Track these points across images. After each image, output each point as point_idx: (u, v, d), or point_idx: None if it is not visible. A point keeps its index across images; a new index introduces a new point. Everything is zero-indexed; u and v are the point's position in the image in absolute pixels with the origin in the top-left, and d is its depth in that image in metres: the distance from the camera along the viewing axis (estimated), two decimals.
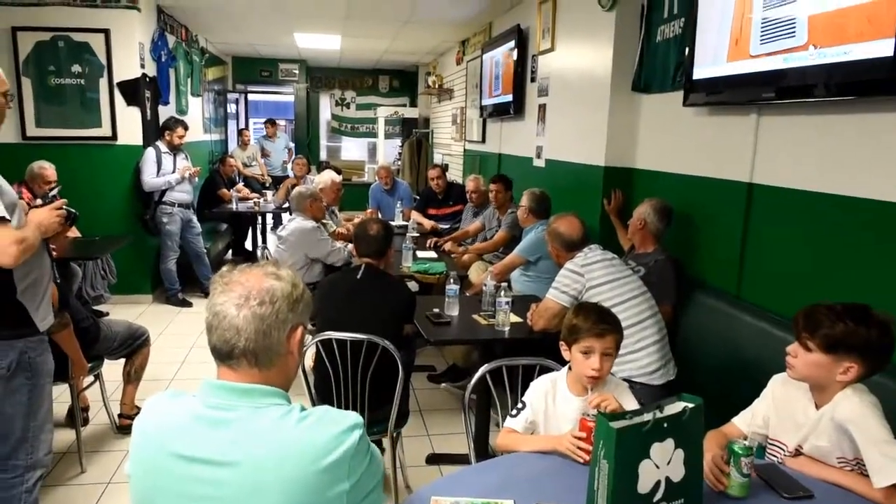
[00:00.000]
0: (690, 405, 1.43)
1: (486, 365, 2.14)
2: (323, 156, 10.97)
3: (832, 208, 2.34)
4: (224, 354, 1.17)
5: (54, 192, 2.22)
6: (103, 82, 5.12)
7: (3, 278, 1.95)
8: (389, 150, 10.30)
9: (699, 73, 2.98)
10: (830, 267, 2.38)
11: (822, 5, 2.23)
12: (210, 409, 1.16)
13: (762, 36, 2.55)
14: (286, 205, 6.84)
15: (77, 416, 3.00)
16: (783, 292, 2.62)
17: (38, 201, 2.15)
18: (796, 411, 1.78)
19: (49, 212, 2.07)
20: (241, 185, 7.29)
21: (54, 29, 4.98)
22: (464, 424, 2.11)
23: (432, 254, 4.46)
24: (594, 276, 2.68)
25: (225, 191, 6.82)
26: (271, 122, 9.06)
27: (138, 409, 3.46)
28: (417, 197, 6.99)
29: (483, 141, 6.57)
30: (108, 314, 4.86)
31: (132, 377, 3.29)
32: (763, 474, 1.60)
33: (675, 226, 3.25)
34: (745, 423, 1.87)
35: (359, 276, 2.58)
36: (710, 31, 2.89)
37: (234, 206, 6.58)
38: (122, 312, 4.94)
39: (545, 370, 2.21)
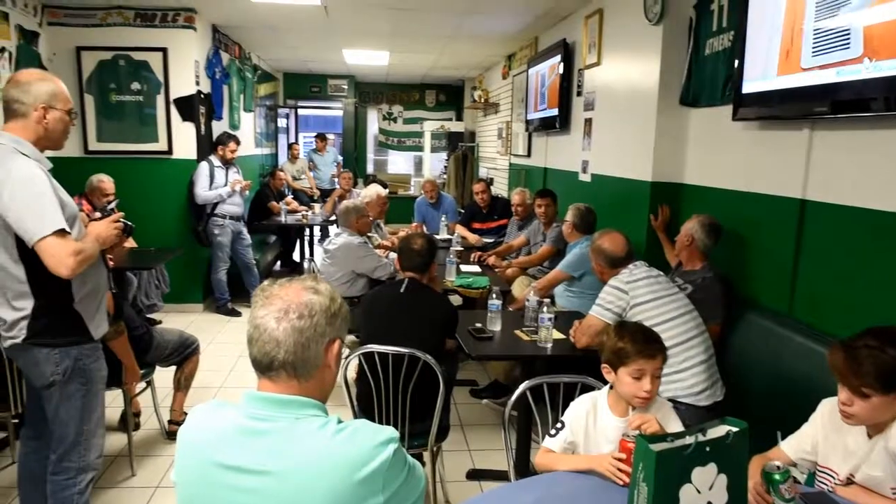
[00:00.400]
0: (735, 429, 1.39)
1: (526, 382, 2.12)
2: (370, 169, 11.13)
3: (891, 226, 2.25)
4: (264, 366, 1.20)
5: (112, 205, 2.31)
6: (160, 99, 5.33)
7: (63, 287, 2.04)
8: (435, 164, 10.38)
9: (749, 86, 2.92)
10: (887, 287, 2.28)
11: (878, 16, 2.16)
12: (251, 419, 1.18)
13: (814, 48, 2.48)
14: (332, 217, 6.98)
15: (129, 420, 3.10)
16: (837, 312, 2.52)
17: (98, 214, 2.25)
18: (847, 438, 1.71)
19: (107, 224, 2.17)
20: (289, 197, 7.45)
21: (116, 48, 5.21)
22: (504, 441, 2.09)
23: (476, 268, 4.46)
24: (638, 293, 2.63)
25: (274, 203, 6.98)
26: (321, 137, 9.25)
27: (186, 415, 3.59)
28: (462, 211, 7.01)
29: (528, 155, 6.55)
30: (160, 322, 5.04)
31: (182, 384, 3.38)
32: (812, 503, 1.54)
33: (724, 242, 3.17)
34: (793, 448, 1.81)
35: (402, 290, 2.61)
36: (759, 44, 2.83)
37: (282, 218, 6.72)
38: (174, 321, 5.11)
39: (587, 388, 2.19)
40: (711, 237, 3.13)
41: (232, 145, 5.49)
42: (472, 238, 5.54)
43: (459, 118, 10.59)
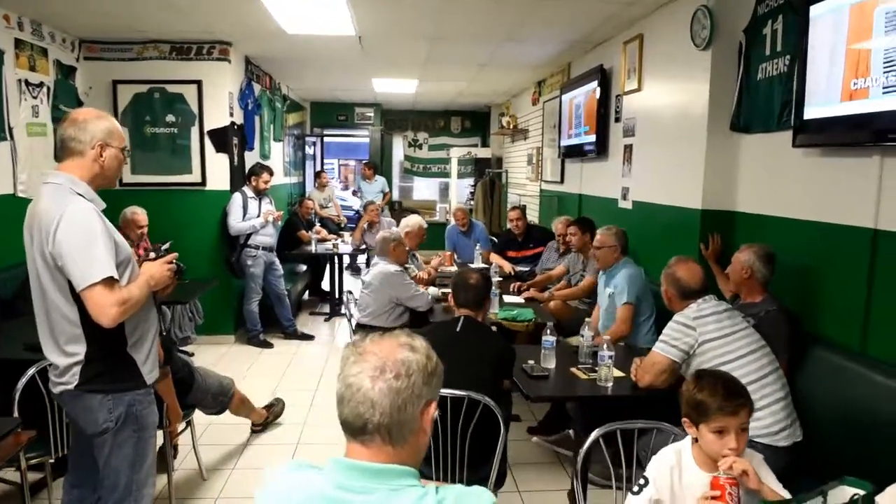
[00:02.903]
0: (861, 492, 1.26)
1: (599, 429, 2.00)
2: (395, 195, 11.10)
3: None
4: (357, 429, 1.11)
5: (167, 245, 2.26)
6: (194, 130, 5.34)
7: (116, 331, 1.98)
8: (461, 190, 10.32)
9: (810, 112, 2.80)
10: None
11: None
12: (341, 490, 1.09)
13: (885, 70, 2.37)
14: (362, 246, 6.93)
15: (169, 462, 3.01)
16: None
17: (152, 255, 2.19)
18: None
19: (161, 266, 2.11)
20: (318, 226, 7.41)
21: (151, 81, 5.24)
22: (575, 494, 1.96)
23: (519, 299, 4.35)
24: (707, 329, 2.51)
25: (304, 232, 6.95)
26: (369, 165, 9.25)
27: (266, 414, 3.80)
28: (493, 238, 6.92)
29: (561, 181, 6.46)
30: (193, 355, 4.98)
31: (244, 410, 3.50)
32: None
33: (784, 273, 3.03)
34: None
35: (458, 329, 2.51)
36: (821, 68, 2.72)
37: (313, 247, 6.67)
38: (207, 352, 5.05)
39: (662, 434, 2.07)
40: (769, 267, 2.99)
41: (265, 176, 5.47)
42: (507, 267, 5.43)
43: (485, 144, 10.56)
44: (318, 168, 10.40)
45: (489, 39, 5.21)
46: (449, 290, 4.19)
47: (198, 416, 3.30)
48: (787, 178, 3.12)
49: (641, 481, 1.72)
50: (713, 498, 1.51)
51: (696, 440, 1.74)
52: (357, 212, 9.44)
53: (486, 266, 5.51)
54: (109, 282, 1.89)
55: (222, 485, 3.24)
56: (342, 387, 1.13)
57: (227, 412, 3.39)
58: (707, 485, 1.66)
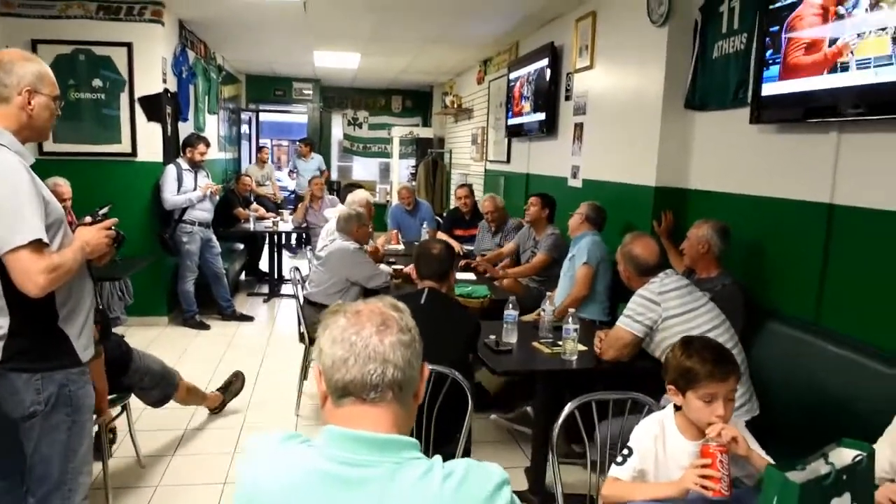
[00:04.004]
0: (863, 453, 1.24)
1: (574, 401, 1.94)
2: (334, 175, 10.84)
3: None
4: (369, 386, 1.01)
5: (105, 209, 2.04)
6: (124, 97, 4.97)
7: (44, 302, 1.76)
8: (402, 171, 10.16)
9: (769, 89, 2.83)
10: None
11: None
12: (340, 464, 0.97)
13: (844, 47, 2.40)
14: (304, 224, 6.69)
15: (105, 450, 2.77)
16: (871, 318, 2.44)
17: (88, 219, 1.97)
18: None
19: (98, 231, 1.89)
20: (254, 204, 7.11)
21: (76, 42, 4.83)
22: (552, 468, 1.89)
23: (471, 275, 4.28)
24: (670, 304, 2.50)
25: (241, 210, 6.65)
26: (306, 142, 8.91)
27: (221, 397, 3.64)
28: (438, 218, 6.83)
29: (508, 161, 6.42)
30: (123, 337, 4.66)
31: (193, 399, 3.33)
32: None
33: (737, 248, 3.07)
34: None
35: (422, 301, 2.39)
36: (781, 46, 2.74)
37: (251, 225, 6.39)
38: (138, 334, 4.74)
39: (637, 405, 2.04)
40: (725, 242, 3.02)
41: (201, 147, 5.16)
42: (456, 246, 5.34)
43: (426, 124, 10.43)
44: (256, 144, 10.01)
45: (438, 13, 5.08)
46: (399, 267, 4.13)
47: (134, 399, 3.07)
48: (743, 154, 3.16)
49: (625, 451, 1.68)
50: (703, 466, 1.47)
51: (678, 409, 1.71)
52: (293, 192, 9.14)
53: None
54: (38, 245, 1.67)
55: (162, 472, 3.03)
56: (342, 349, 1.03)
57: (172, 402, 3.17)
58: (691, 453, 1.63)
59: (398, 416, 1.04)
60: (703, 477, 1.47)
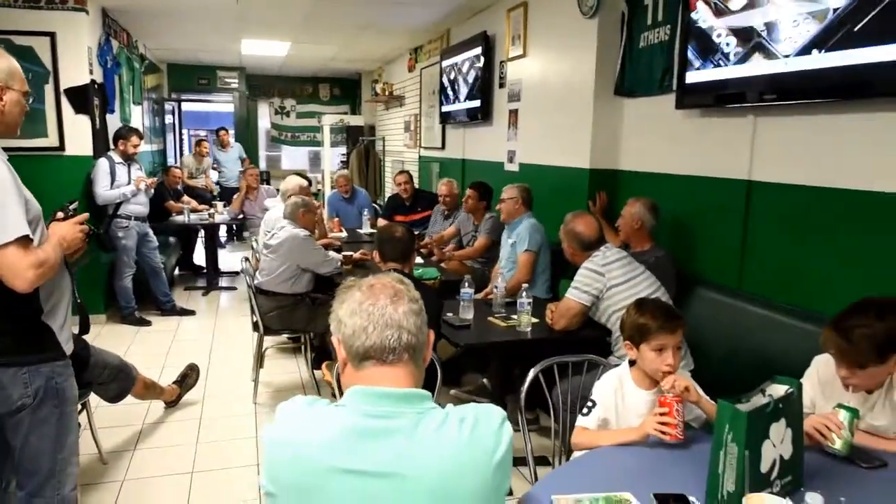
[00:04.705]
0: (793, 387, 1.48)
1: (538, 365, 2.14)
2: (262, 166, 10.66)
3: (829, 199, 2.51)
4: (388, 350, 1.16)
5: (74, 205, 2.05)
6: (49, 89, 4.78)
7: (29, 297, 1.78)
8: (334, 159, 10.13)
9: (692, 77, 3.11)
10: (830, 253, 2.54)
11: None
12: (369, 418, 1.11)
13: (762, 40, 2.69)
14: (241, 216, 6.63)
15: None
16: (786, 282, 2.76)
17: (60, 214, 1.99)
18: (843, 392, 1.87)
19: (72, 226, 1.93)
20: (186, 197, 6.95)
21: None
22: (521, 427, 2.08)
23: (420, 259, 4.42)
24: (614, 275, 2.74)
25: (172, 203, 6.49)
26: (224, 130, 8.68)
27: (177, 390, 3.65)
28: (375, 204, 6.92)
29: (443, 147, 6.58)
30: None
31: (150, 393, 3.35)
32: None
33: (667, 223, 3.37)
34: None
35: None
36: (702, 36, 3.02)
37: (185, 218, 6.27)
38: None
39: (594, 365, 2.25)
40: (656, 218, 3.31)
41: (134, 139, 5.03)
42: None
43: (355, 112, 10.42)
44: (180, 135, 9.70)
45: (371, 1, 5.14)
46: (348, 253, 4.22)
47: (97, 399, 3.05)
48: (670, 137, 3.44)
49: (589, 403, 1.88)
50: (661, 414, 1.69)
51: (632, 363, 1.93)
52: (217, 183, 8.92)
53: (375, 231, 5.52)
54: (25, 241, 1.70)
55: (126, 467, 3.03)
56: (361, 318, 1.17)
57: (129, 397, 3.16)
58: (647, 401, 1.86)
59: (413, 375, 1.20)
60: (662, 423, 1.69)
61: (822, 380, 1.93)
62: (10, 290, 1.72)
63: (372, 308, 1.17)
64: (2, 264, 1.68)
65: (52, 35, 4.71)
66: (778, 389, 1.48)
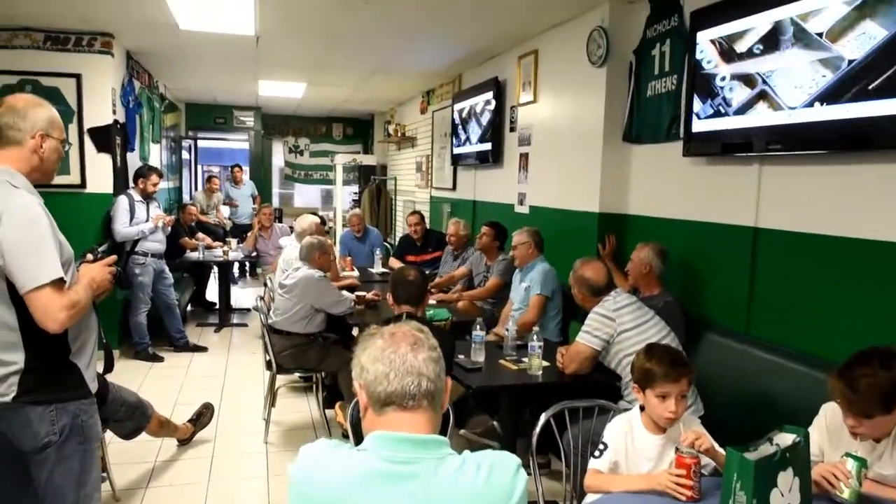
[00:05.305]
0: (800, 437, 1.52)
1: (548, 410, 2.17)
2: (276, 203, 10.84)
3: (836, 247, 2.57)
4: (409, 396, 1.21)
5: (104, 247, 2.13)
6: (73, 128, 4.93)
7: (59, 338, 1.86)
8: (345, 197, 10.29)
9: (699, 126, 3.20)
10: (839, 300, 2.58)
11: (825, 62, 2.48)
12: (390, 462, 1.16)
13: (765, 92, 2.79)
14: (254, 253, 6.72)
15: None
16: (794, 327, 2.80)
17: (89, 256, 2.07)
18: (851, 441, 1.89)
19: (102, 268, 2.01)
20: (200, 234, 7.07)
21: (22, 73, 4.79)
22: (532, 470, 2.11)
23: (430, 300, 4.47)
24: (624, 320, 2.78)
25: (188, 239, 6.61)
26: (238, 167, 8.85)
27: (192, 428, 3.68)
28: (386, 243, 7.01)
29: (454, 188, 6.69)
30: None
31: (165, 431, 3.37)
32: None
33: (675, 268, 3.42)
34: None
35: None
36: (708, 87, 3.12)
37: (199, 254, 6.37)
38: None
39: (604, 410, 2.29)
40: (665, 262, 3.36)
41: (154, 178, 5.17)
42: None
43: (367, 151, 10.61)
44: (195, 172, 9.90)
45: (385, 46, 5.31)
46: (362, 294, 4.28)
47: (112, 436, 3.09)
48: (677, 183, 3.52)
49: (601, 446, 1.92)
50: (678, 475, 1.70)
51: (642, 408, 1.97)
52: (228, 218, 9.06)
53: (387, 271, 5.59)
54: (59, 284, 1.78)
55: None
56: (383, 365, 1.23)
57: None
58: (656, 446, 1.89)
59: (431, 421, 1.25)
60: (678, 483, 1.69)
61: (830, 428, 1.95)
62: (40, 330, 1.79)
63: (393, 355, 1.22)
64: (36, 305, 1.75)
65: (78, 76, 4.89)
66: (786, 438, 1.51)
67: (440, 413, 1.28)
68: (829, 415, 1.96)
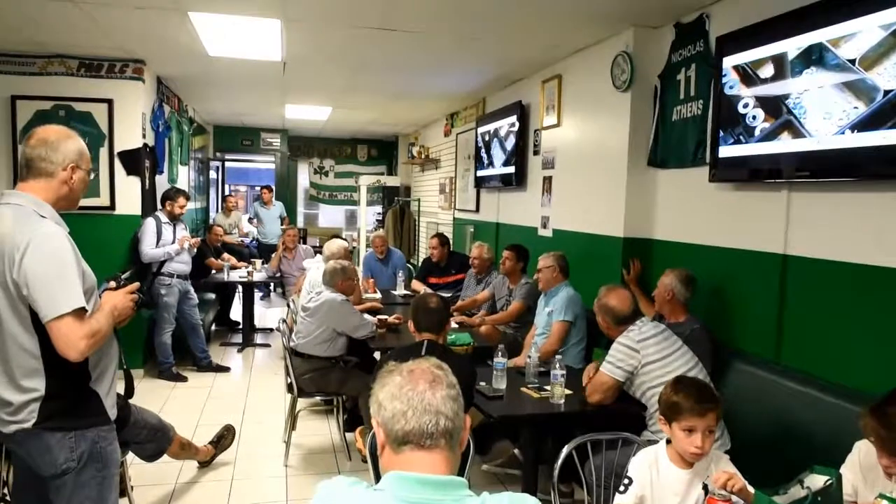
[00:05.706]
0: (832, 478, 1.46)
1: (571, 442, 2.13)
2: (300, 223, 10.94)
3: (869, 277, 2.49)
4: (426, 435, 1.18)
5: (127, 274, 2.16)
6: (103, 152, 5.05)
7: (79, 365, 1.87)
8: (369, 218, 10.36)
9: (725, 151, 3.15)
10: (872, 329, 2.49)
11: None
12: None
13: (794, 117, 2.74)
14: (278, 274, 6.77)
15: None
16: (825, 356, 2.71)
17: (112, 283, 2.09)
18: (886, 481, 1.82)
19: (124, 296, 2.03)
20: (226, 254, 7.16)
21: (56, 98, 4.92)
22: (554, 501, 2.06)
23: (453, 324, 4.44)
24: (649, 351, 2.72)
25: (213, 260, 6.69)
26: (268, 189, 8.97)
27: (212, 450, 3.67)
28: (409, 265, 7.01)
29: (477, 210, 6.69)
30: None
31: (186, 453, 3.36)
32: None
33: (702, 294, 3.35)
34: None
35: (423, 353, 2.56)
36: (735, 112, 3.07)
37: (224, 275, 6.44)
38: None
39: (628, 442, 2.23)
40: (689, 289, 3.29)
41: (181, 200, 5.25)
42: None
43: (391, 172, 10.68)
44: (223, 193, 10.06)
45: (411, 71, 5.36)
46: (383, 317, 4.26)
47: (133, 458, 3.10)
48: (704, 209, 3.46)
49: (626, 481, 1.87)
50: None
51: (668, 441, 1.92)
52: (255, 240, 9.17)
53: (410, 293, 5.58)
54: (80, 312, 1.80)
55: None
56: (401, 403, 1.20)
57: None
58: (682, 480, 1.84)
59: (449, 460, 1.21)
60: None
61: (863, 466, 1.88)
62: (60, 358, 1.80)
63: (411, 393, 1.20)
64: (58, 334, 1.77)
65: (109, 102, 5.02)
66: (817, 480, 1.45)
67: (459, 452, 1.25)
68: (864, 452, 1.89)
